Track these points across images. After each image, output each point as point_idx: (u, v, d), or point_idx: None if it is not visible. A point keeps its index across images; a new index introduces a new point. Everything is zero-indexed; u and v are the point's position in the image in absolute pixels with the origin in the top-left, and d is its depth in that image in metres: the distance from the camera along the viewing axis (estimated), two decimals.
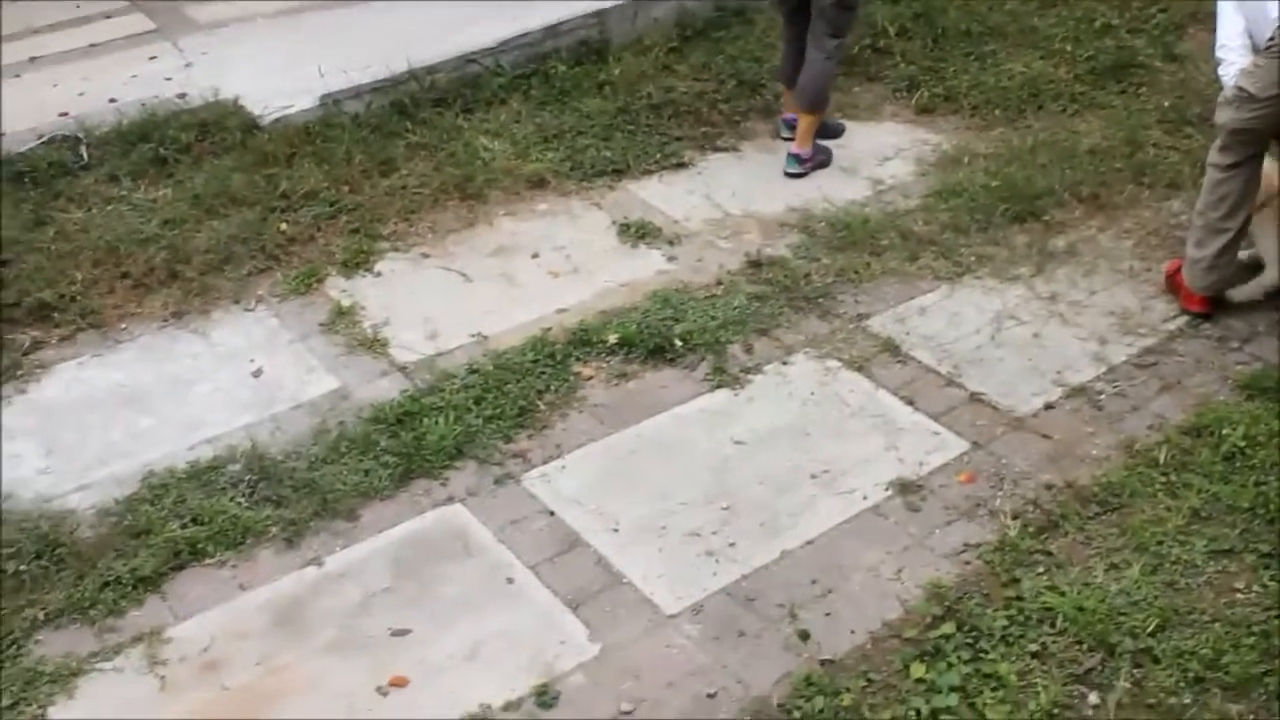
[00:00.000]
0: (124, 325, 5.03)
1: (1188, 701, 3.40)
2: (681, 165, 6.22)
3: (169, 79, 6.57)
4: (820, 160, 6.14)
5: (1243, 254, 5.07)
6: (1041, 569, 3.84)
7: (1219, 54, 5.00)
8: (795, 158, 6.08)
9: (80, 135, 5.98)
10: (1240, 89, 4.71)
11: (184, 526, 4.01)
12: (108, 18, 7.45)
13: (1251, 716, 3.35)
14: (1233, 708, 3.37)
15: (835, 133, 6.35)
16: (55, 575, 3.85)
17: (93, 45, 7.06)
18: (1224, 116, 4.80)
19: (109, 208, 5.60)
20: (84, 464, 4.34)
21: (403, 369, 4.78)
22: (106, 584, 3.81)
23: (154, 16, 7.44)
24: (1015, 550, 3.90)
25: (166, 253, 5.30)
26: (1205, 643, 3.54)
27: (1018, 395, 4.62)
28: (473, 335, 4.95)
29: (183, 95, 6.35)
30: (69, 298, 5.06)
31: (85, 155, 5.91)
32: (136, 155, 5.91)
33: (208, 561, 3.93)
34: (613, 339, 4.85)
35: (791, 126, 6.27)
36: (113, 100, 6.31)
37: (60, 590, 3.79)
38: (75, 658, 3.59)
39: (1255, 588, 3.75)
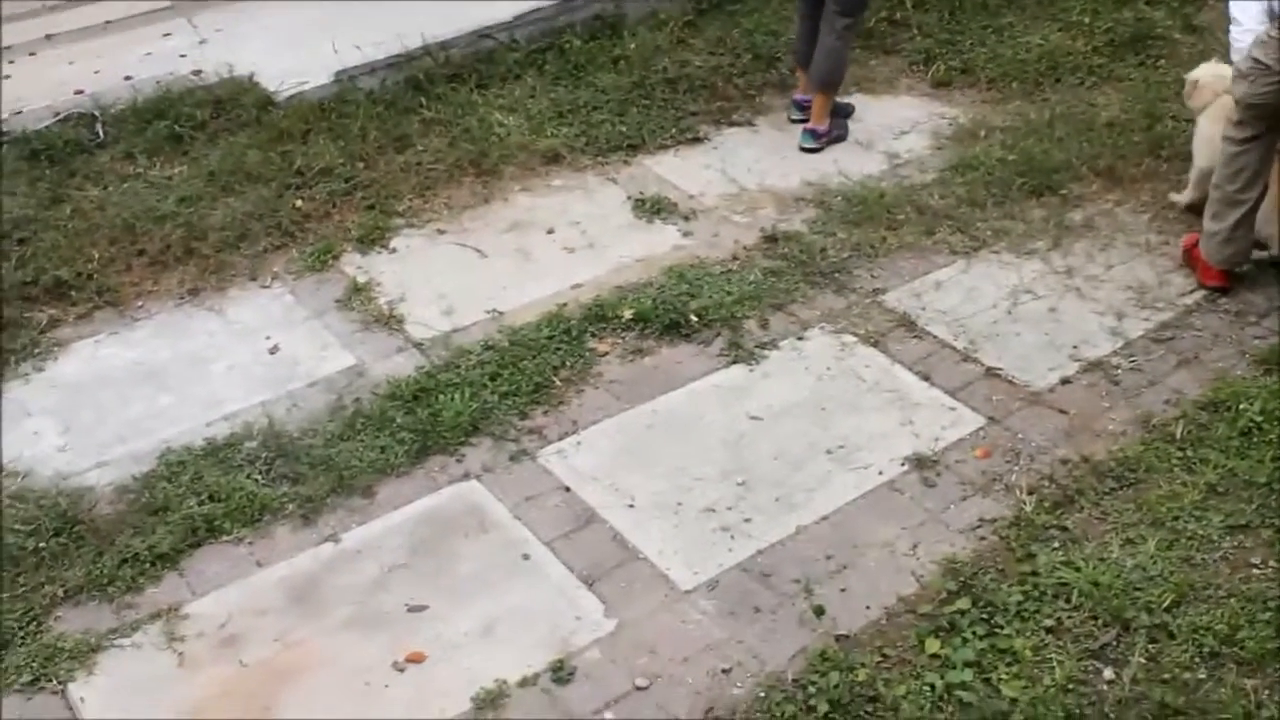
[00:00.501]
0: (140, 303, 5.05)
1: (1203, 676, 3.40)
2: (697, 140, 6.20)
3: (184, 56, 6.58)
4: (836, 135, 6.12)
5: None
6: (1057, 544, 3.84)
7: (1233, 12, 4.95)
8: (811, 133, 6.07)
9: (96, 113, 6.00)
10: (1255, 61, 4.67)
11: (201, 504, 4.03)
12: None
13: (1267, 691, 3.35)
14: (1248, 683, 3.37)
15: (845, 113, 6.31)
16: (74, 552, 3.87)
17: (108, 23, 7.05)
18: (1239, 90, 4.76)
19: (125, 185, 5.62)
20: (102, 441, 4.36)
21: (418, 345, 4.78)
22: (125, 561, 3.83)
23: None
24: (1031, 525, 3.90)
25: (182, 230, 5.31)
26: (1221, 618, 3.54)
27: (1034, 370, 4.61)
28: (488, 311, 4.95)
29: (198, 72, 6.35)
30: (86, 276, 5.08)
31: (101, 133, 5.93)
32: (152, 133, 5.92)
33: (225, 539, 3.95)
34: (628, 315, 4.85)
35: (802, 108, 6.24)
36: (128, 78, 6.32)
37: (79, 567, 3.82)
38: (94, 634, 3.62)
39: (1271, 563, 3.74)
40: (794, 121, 6.29)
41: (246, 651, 3.59)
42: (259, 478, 4.16)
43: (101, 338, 4.87)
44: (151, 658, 3.57)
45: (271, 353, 4.78)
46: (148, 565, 3.83)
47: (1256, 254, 5.04)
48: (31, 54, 6.65)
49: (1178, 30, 7.04)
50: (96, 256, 5.16)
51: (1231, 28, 4.99)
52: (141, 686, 3.49)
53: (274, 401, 4.51)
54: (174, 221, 5.34)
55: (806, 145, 6.07)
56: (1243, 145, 4.79)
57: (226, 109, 6.10)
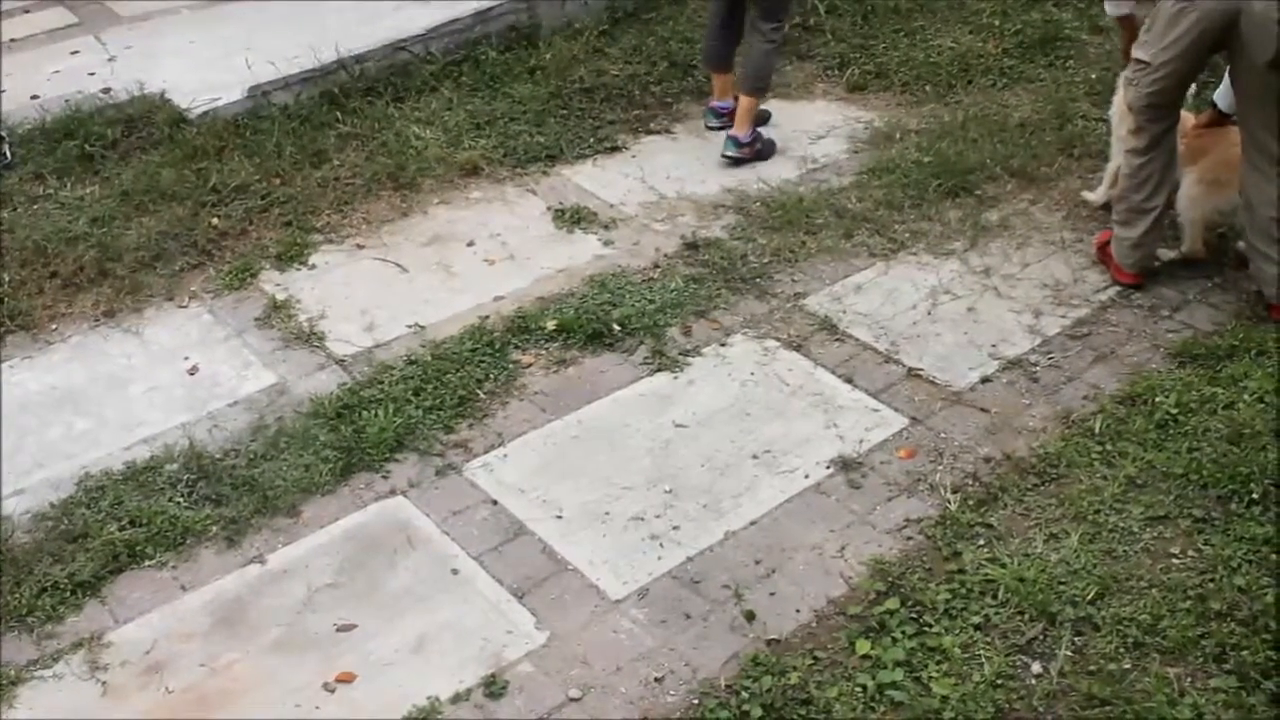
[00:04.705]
0: (54, 326, 4.96)
1: (1128, 667, 3.46)
2: (615, 149, 6.21)
3: (93, 74, 6.48)
4: (759, 151, 6.07)
5: None
6: (982, 541, 3.88)
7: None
8: (734, 140, 6.02)
9: (3, 134, 5.89)
10: (1137, 61, 4.77)
11: (122, 529, 3.96)
12: (27, 12, 7.34)
13: (1189, 678, 3.41)
14: (1171, 671, 3.43)
15: (761, 120, 6.29)
16: None
17: (12, 41, 6.95)
18: (1130, 96, 4.86)
19: (35, 207, 5.52)
20: (18, 468, 4.27)
21: (340, 362, 4.74)
22: (44, 590, 3.76)
23: (76, 10, 7.34)
24: (956, 524, 3.94)
25: (96, 251, 5.22)
26: (1143, 608, 3.60)
27: (955, 370, 4.66)
28: (410, 326, 4.92)
29: (107, 90, 6.26)
30: None
31: (9, 154, 5.82)
32: (62, 152, 5.83)
33: (148, 563, 3.88)
34: (551, 325, 4.84)
35: (719, 115, 6.23)
36: (35, 97, 6.22)
37: None
38: (14, 666, 3.54)
39: (1190, 552, 3.81)
40: (712, 129, 6.28)
41: (172, 678, 3.53)
42: (181, 500, 4.09)
43: (14, 362, 4.78)
44: (74, 688, 3.50)
45: (191, 373, 4.71)
46: (68, 594, 3.76)
47: (1165, 254, 5.14)
48: None
49: (1085, 31, 7.17)
50: (7, 279, 5.07)
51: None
52: (65, 718, 3.42)
53: (195, 423, 4.45)
54: (87, 242, 5.25)
55: (728, 153, 6.00)
56: (1145, 154, 4.87)
57: (138, 127, 6.01)
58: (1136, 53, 4.79)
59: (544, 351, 4.78)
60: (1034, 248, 5.36)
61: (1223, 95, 5.05)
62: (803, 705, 3.38)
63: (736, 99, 6.14)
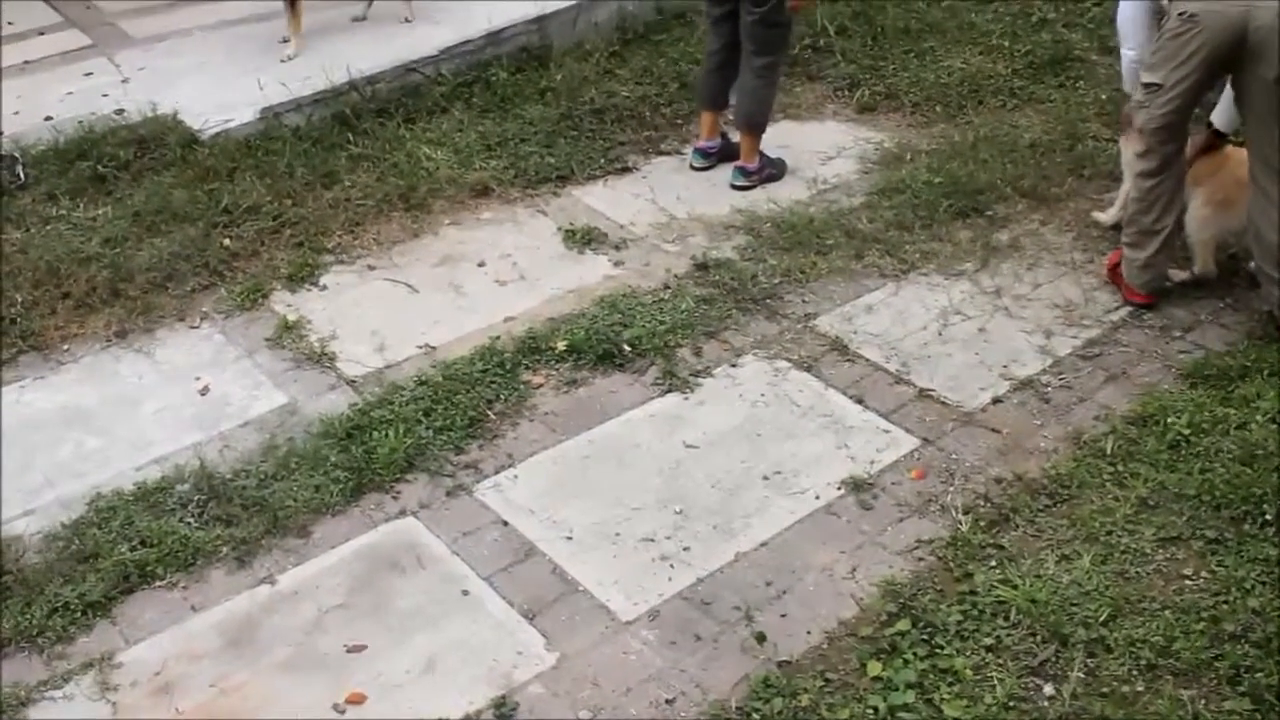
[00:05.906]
0: (66, 346, 4.97)
1: (1140, 689, 3.44)
2: (625, 169, 6.23)
3: (106, 95, 6.52)
4: (770, 174, 6.08)
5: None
6: (994, 562, 3.86)
7: (1122, 30, 5.10)
8: (741, 170, 6.04)
9: (17, 154, 5.92)
10: (1148, 85, 4.76)
11: (133, 549, 3.96)
12: (41, 34, 7.38)
13: (1203, 701, 3.39)
14: (1184, 693, 3.41)
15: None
16: (1, 603, 3.79)
17: (27, 63, 6.99)
18: (1140, 119, 4.84)
19: (48, 227, 5.54)
20: (29, 488, 4.27)
21: (351, 382, 4.75)
22: (55, 610, 3.75)
23: (89, 32, 7.38)
24: (967, 545, 3.93)
25: (108, 271, 5.24)
26: (1156, 630, 3.58)
27: (966, 390, 4.65)
28: (421, 346, 4.93)
29: (120, 111, 6.29)
30: (9, 320, 5.00)
31: (22, 175, 5.85)
32: (75, 173, 5.86)
33: (158, 584, 3.88)
34: (561, 346, 4.84)
35: (705, 155, 6.19)
36: (49, 118, 6.25)
37: (7, 619, 3.73)
38: (24, 687, 3.53)
39: (1203, 574, 3.79)
40: (696, 169, 6.21)
41: (182, 698, 3.52)
42: (192, 521, 4.09)
43: (26, 382, 4.79)
44: (84, 708, 3.49)
45: (202, 393, 4.72)
46: (79, 614, 3.75)
47: (1176, 275, 5.13)
48: None
49: (1095, 52, 7.17)
50: (20, 300, 5.08)
51: (1123, 51, 5.11)
52: None
53: (206, 443, 4.45)
54: (99, 263, 5.27)
55: (737, 183, 6.02)
56: (1156, 176, 4.86)
57: (150, 148, 6.04)
58: (1147, 76, 4.78)
59: (554, 372, 4.78)
60: (1045, 268, 5.36)
61: (1220, 115, 5.04)
62: None
63: (723, 137, 6.20)
